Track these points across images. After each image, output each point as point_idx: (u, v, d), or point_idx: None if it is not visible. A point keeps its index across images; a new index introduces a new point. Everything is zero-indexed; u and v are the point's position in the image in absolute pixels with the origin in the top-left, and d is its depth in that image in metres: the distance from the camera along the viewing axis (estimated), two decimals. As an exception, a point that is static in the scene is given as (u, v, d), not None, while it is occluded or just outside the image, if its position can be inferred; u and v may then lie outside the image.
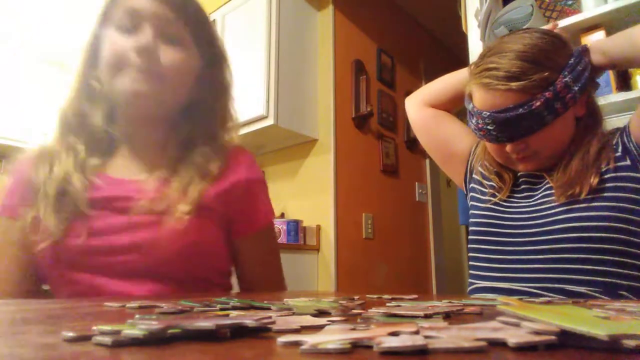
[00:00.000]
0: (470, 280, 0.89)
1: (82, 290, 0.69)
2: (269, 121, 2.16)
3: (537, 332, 0.23)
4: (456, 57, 3.53)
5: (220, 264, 0.80)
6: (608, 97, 1.20)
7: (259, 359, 0.21)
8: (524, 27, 1.27)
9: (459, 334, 0.24)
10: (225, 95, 0.85)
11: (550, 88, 0.73)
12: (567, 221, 0.75)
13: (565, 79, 0.74)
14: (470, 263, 0.89)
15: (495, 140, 0.80)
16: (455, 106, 1.03)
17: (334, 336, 0.24)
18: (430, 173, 3.08)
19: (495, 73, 0.76)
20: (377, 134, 2.66)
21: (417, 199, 2.94)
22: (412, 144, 2.88)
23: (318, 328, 0.28)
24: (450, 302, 0.46)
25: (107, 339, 0.23)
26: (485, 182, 0.92)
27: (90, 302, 0.53)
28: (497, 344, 0.22)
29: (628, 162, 0.77)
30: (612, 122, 0.95)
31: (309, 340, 0.23)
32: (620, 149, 0.79)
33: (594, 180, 0.76)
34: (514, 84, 0.74)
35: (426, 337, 0.23)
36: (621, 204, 0.74)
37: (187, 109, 0.80)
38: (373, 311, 0.37)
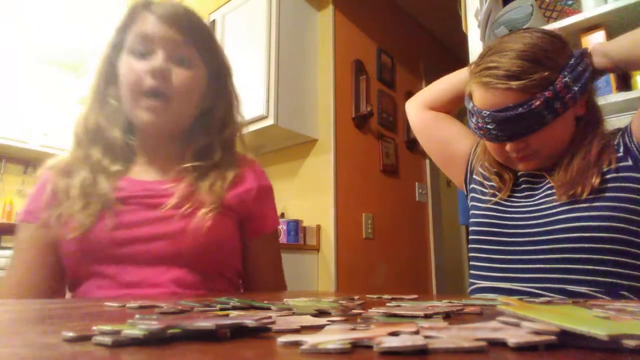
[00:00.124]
0: (471, 280, 0.89)
1: (106, 284, 0.72)
2: (269, 121, 2.16)
3: (537, 332, 0.23)
4: (456, 57, 3.53)
5: (236, 262, 0.86)
6: (608, 97, 1.20)
7: (259, 359, 0.21)
8: (524, 27, 1.27)
9: (459, 334, 0.24)
10: (233, 103, 0.90)
11: (550, 88, 0.73)
12: (568, 221, 0.75)
13: (565, 79, 0.74)
14: (471, 263, 0.89)
15: (495, 139, 0.80)
16: (456, 107, 1.03)
17: (334, 336, 0.24)
18: (430, 173, 3.08)
19: (495, 72, 0.76)
20: (377, 134, 2.66)
21: (417, 199, 2.94)
22: (412, 144, 2.88)
23: (318, 328, 0.28)
24: (450, 302, 0.46)
25: (107, 339, 0.23)
26: (485, 182, 0.92)
27: (90, 302, 0.53)
28: (497, 344, 0.22)
29: (630, 163, 0.77)
30: (612, 122, 0.95)
31: (309, 340, 0.23)
32: (621, 149, 0.79)
33: (596, 180, 0.75)
34: (514, 83, 0.74)
35: (426, 337, 0.23)
36: (622, 204, 0.74)
37: (199, 119, 0.85)
38: (373, 311, 0.38)
